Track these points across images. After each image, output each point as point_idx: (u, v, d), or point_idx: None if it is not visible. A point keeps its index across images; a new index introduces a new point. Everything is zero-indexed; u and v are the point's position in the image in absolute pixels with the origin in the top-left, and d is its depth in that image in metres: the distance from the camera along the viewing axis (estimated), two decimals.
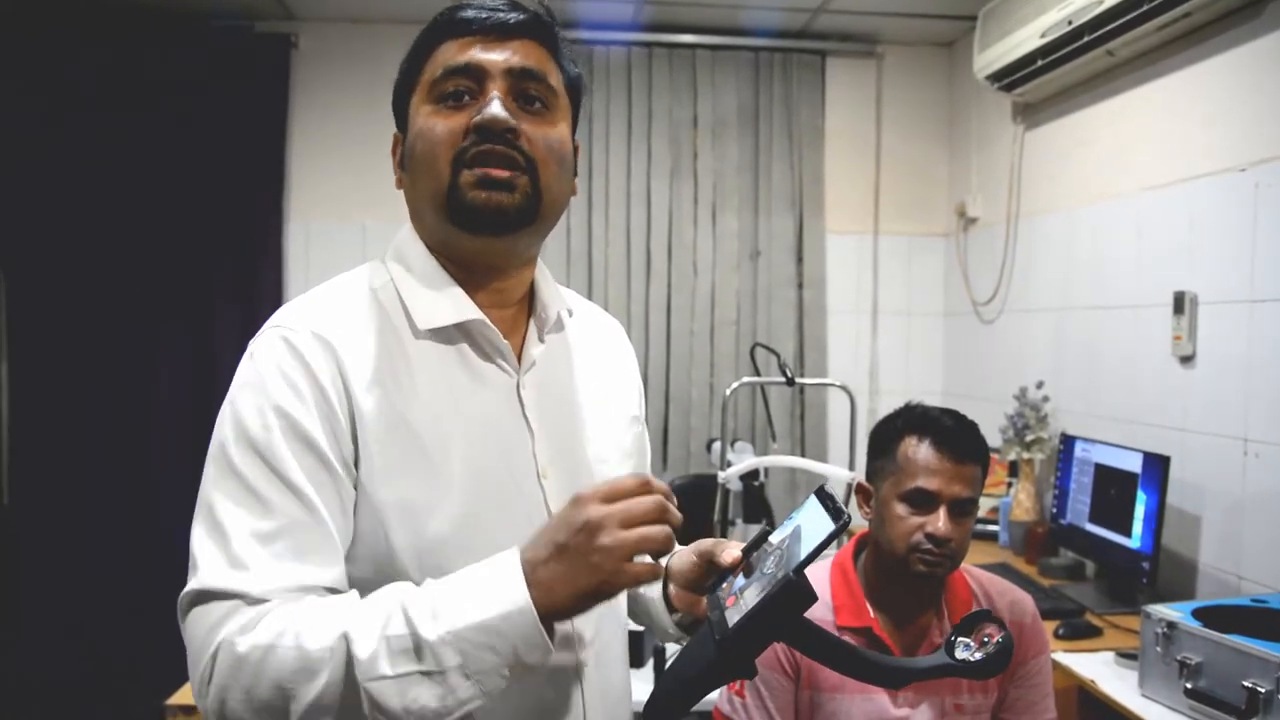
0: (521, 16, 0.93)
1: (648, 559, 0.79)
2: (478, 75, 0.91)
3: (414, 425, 0.88)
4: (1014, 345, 3.23)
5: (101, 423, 3.29)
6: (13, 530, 3.27)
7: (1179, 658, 1.71)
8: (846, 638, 1.14)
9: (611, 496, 0.76)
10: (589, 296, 3.40)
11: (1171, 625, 1.73)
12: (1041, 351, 3.05)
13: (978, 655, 0.89)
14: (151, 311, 3.32)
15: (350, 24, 3.44)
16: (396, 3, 3.23)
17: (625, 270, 3.52)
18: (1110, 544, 2.40)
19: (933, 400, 1.99)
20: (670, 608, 1.01)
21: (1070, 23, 2.55)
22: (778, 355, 2.51)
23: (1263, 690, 1.55)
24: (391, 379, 0.89)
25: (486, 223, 0.90)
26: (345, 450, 0.86)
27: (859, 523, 1.45)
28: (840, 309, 3.67)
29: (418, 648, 0.74)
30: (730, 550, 0.90)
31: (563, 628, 0.92)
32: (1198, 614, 1.74)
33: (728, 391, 2.46)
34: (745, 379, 2.62)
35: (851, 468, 2.31)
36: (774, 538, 0.86)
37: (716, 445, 2.62)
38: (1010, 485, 3.06)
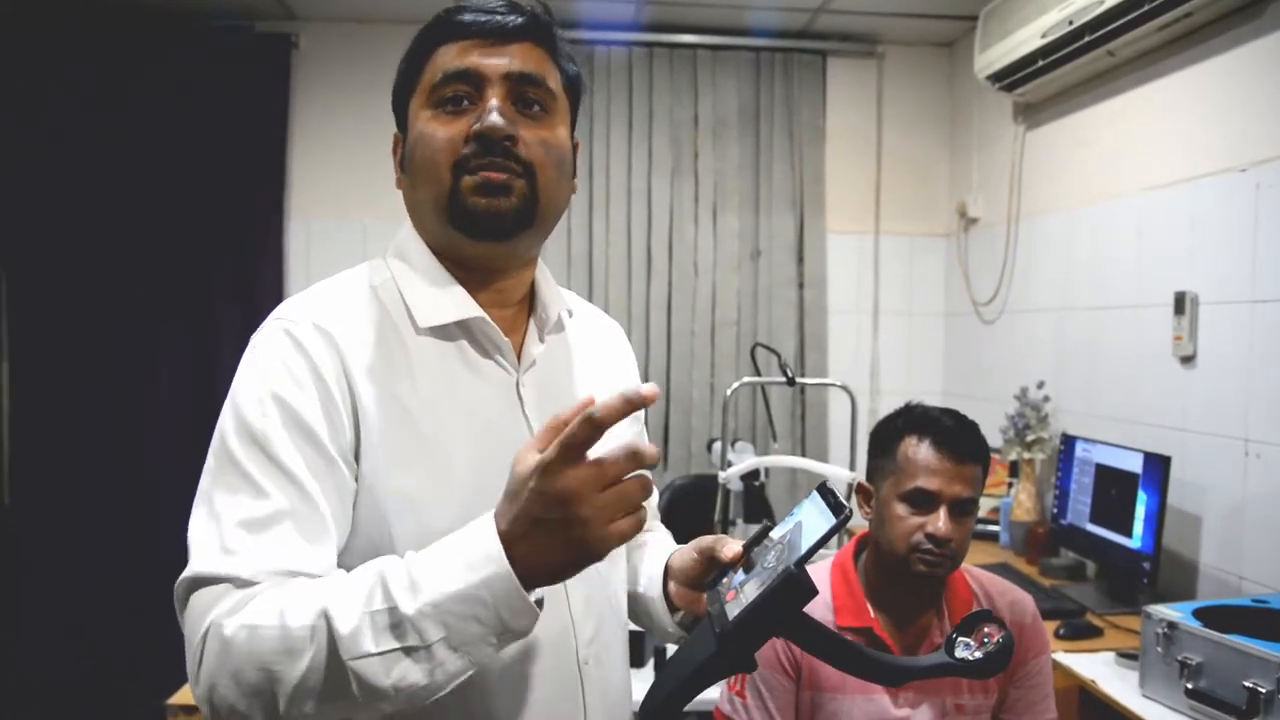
0: (520, 20, 0.93)
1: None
2: (476, 81, 0.91)
3: (415, 418, 0.89)
4: (1015, 345, 3.23)
5: (101, 423, 3.29)
6: (13, 530, 3.27)
7: (1180, 658, 1.71)
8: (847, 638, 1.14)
9: (570, 453, 0.70)
10: (589, 296, 3.41)
11: (1172, 625, 1.73)
12: (1042, 351, 3.04)
13: (978, 654, 0.89)
14: (152, 311, 3.32)
15: (351, 24, 3.44)
16: (397, 3, 3.23)
17: (626, 270, 3.52)
18: (1111, 544, 2.40)
19: (933, 400, 1.99)
20: (671, 607, 1.01)
21: (1071, 23, 2.55)
22: (778, 355, 2.51)
23: (1263, 690, 1.55)
24: (392, 373, 0.89)
25: (486, 228, 0.91)
26: (346, 442, 0.86)
27: (859, 523, 1.45)
28: (841, 309, 3.67)
29: (399, 623, 0.72)
30: (731, 545, 0.91)
31: (563, 627, 0.92)
32: (1198, 614, 1.74)
33: (728, 391, 2.46)
34: (746, 379, 2.62)
35: (852, 468, 2.31)
36: (775, 533, 0.86)
37: (717, 445, 2.62)
38: (1011, 485, 3.05)
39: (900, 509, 1.41)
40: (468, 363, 0.94)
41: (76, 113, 3.25)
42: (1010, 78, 2.95)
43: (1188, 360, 2.36)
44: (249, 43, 3.38)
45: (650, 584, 1.04)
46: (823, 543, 0.78)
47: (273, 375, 0.85)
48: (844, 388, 2.44)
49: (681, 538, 1.04)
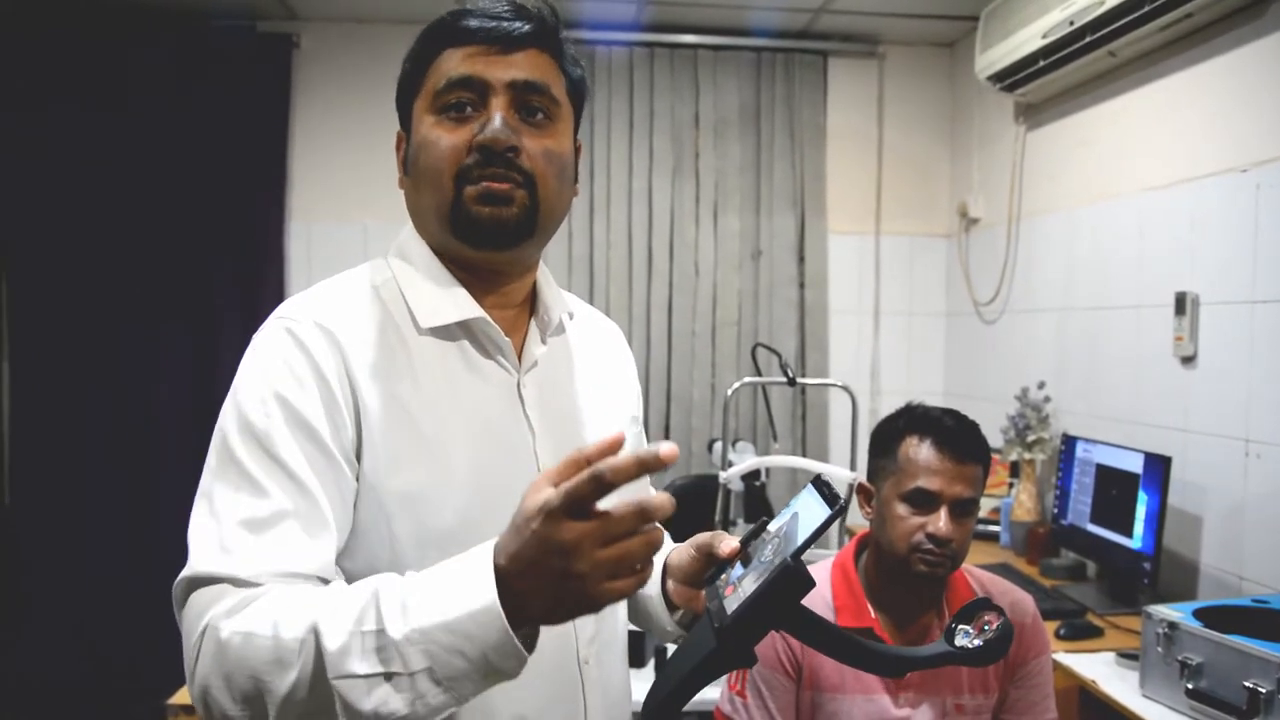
0: (525, 27, 0.92)
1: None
2: (480, 89, 0.91)
3: (416, 418, 0.89)
4: (1015, 345, 3.23)
5: (101, 423, 3.29)
6: (13, 530, 3.27)
7: (1180, 658, 1.70)
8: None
9: (574, 505, 0.66)
10: (590, 296, 3.41)
11: (1173, 626, 1.73)
12: (1043, 352, 3.04)
13: (977, 642, 0.89)
14: (152, 311, 3.32)
15: (352, 24, 3.44)
16: (399, 3, 3.23)
17: (627, 270, 3.52)
18: (1111, 544, 2.40)
19: (934, 400, 1.99)
20: (670, 605, 1.01)
21: (1072, 23, 2.55)
22: (779, 355, 2.52)
23: (1263, 691, 1.55)
24: (394, 372, 0.89)
25: (488, 237, 0.91)
26: (347, 441, 0.86)
27: (860, 523, 1.45)
28: (842, 309, 3.67)
29: (385, 646, 0.69)
30: (728, 541, 0.91)
31: (563, 628, 0.92)
32: (1199, 614, 1.74)
33: (729, 391, 2.46)
34: (747, 379, 2.62)
35: (853, 468, 2.31)
36: (771, 526, 0.86)
37: (718, 445, 2.62)
38: (1011, 486, 3.05)
39: (901, 509, 1.41)
40: (469, 363, 0.94)
41: (76, 113, 3.24)
42: (1011, 78, 2.95)
43: (1188, 360, 2.36)
44: (250, 43, 3.38)
45: (649, 583, 1.04)
46: (819, 534, 0.78)
47: (275, 374, 0.85)
48: (845, 388, 2.44)
49: (682, 538, 1.04)
